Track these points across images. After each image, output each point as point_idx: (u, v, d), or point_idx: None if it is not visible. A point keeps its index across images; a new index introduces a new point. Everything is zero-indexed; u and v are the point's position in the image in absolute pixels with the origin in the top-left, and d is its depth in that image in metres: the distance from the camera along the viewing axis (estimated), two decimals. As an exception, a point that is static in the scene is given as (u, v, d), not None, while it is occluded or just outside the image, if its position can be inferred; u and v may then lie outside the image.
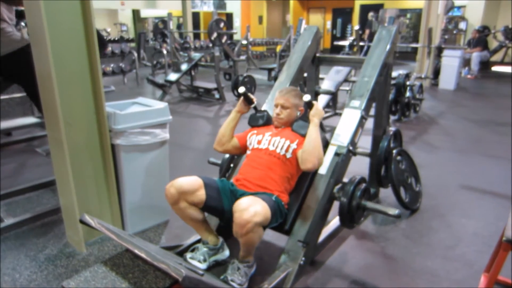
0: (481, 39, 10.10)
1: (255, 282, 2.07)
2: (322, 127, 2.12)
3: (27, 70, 2.24)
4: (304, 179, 2.25)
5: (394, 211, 2.06)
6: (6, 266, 2.23)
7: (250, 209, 1.76)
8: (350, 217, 2.15)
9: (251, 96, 2.37)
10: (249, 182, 2.12)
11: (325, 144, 2.27)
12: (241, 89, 2.33)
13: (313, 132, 2.10)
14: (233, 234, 1.85)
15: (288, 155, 2.14)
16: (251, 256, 2.04)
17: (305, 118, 2.28)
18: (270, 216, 1.86)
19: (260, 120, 2.40)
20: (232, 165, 2.57)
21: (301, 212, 2.14)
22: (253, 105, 2.40)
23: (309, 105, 2.19)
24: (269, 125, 2.38)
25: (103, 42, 2.81)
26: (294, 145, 2.15)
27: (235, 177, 2.23)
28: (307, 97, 2.16)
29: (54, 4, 1.98)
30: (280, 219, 2.07)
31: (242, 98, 2.36)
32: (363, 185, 2.20)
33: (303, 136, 2.16)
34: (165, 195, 2.01)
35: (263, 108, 2.58)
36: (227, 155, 2.59)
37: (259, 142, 2.24)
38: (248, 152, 2.29)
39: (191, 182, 2.00)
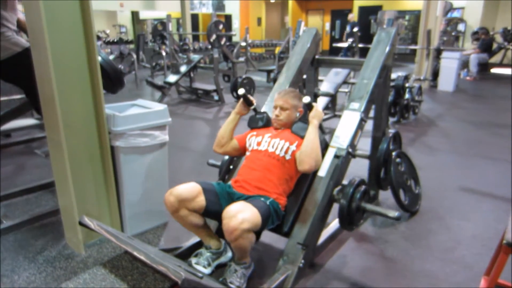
0: (485, 41, 10.08)
1: (255, 284, 2.07)
2: (321, 129, 2.15)
3: (27, 73, 2.25)
4: (304, 181, 2.24)
5: (394, 213, 2.04)
6: (5, 268, 2.23)
7: (238, 216, 1.76)
8: (349, 219, 2.14)
9: (251, 98, 2.37)
10: (247, 184, 2.12)
11: (325, 146, 2.26)
12: (241, 91, 2.32)
13: (311, 134, 2.11)
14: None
15: (288, 157, 2.14)
16: (246, 258, 2.04)
17: (304, 119, 2.28)
18: (261, 221, 1.85)
19: (259, 122, 2.41)
20: (231, 166, 2.57)
21: (300, 214, 2.13)
22: (252, 107, 2.40)
23: (308, 107, 2.20)
24: (269, 126, 2.38)
25: (120, 79, 2.76)
26: (293, 147, 2.15)
27: (233, 179, 2.23)
28: (306, 99, 2.17)
29: (54, 6, 1.98)
30: (277, 221, 2.07)
31: (241, 99, 2.36)
32: (363, 187, 2.18)
33: (303, 137, 2.16)
34: (165, 204, 1.99)
35: (262, 110, 2.58)
36: (226, 157, 2.58)
37: (258, 144, 2.24)
38: (248, 153, 2.29)
39: (190, 189, 1.99)
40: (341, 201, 2.13)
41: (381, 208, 2.17)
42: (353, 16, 12.71)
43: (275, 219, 2.04)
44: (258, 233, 1.97)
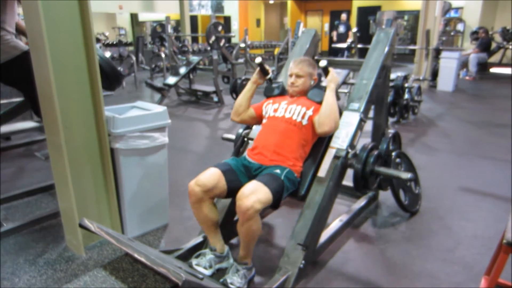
0: (484, 40, 10.09)
1: (255, 285, 2.06)
2: (336, 95, 2.25)
3: (26, 76, 2.25)
4: (319, 147, 2.32)
5: (406, 175, 2.17)
6: (5, 271, 2.23)
7: (251, 197, 1.85)
8: (364, 183, 2.24)
9: (267, 67, 2.46)
10: (265, 150, 2.19)
11: (339, 113, 2.32)
12: (258, 60, 2.42)
13: (330, 97, 2.23)
14: (233, 236, 1.86)
15: (304, 122, 2.23)
16: (250, 255, 2.05)
17: (319, 86, 2.37)
18: (272, 199, 1.93)
19: (275, 90, 2.50)
20: (245, 139, 2.64)
21: (301, 214, 2.14)
22: (268, 76, 2.49)
23: (325, 71, 2.31)
24: (284, 95, 2.47)
25: (118, 77, 2.80)
26: (310, 112, 2.24)
27: (250, 148, 2.31)
28: (323, 63, 2.28)
29: (53, 8, 1.99)
30: (292, 188, 2.16)
31: (258, 69, 2.44)
32: (376, 152, 2.28)
33: (319, 103, 2.27)
34: (189, 194, 2.05)
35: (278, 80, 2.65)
36: (240, 130, 2.67)
37: (275, 110, 2.34)
38: (264, 121, 2.37)
39: (212, 177, 2.05)
40: (355, 165, 2.22)
41: (394, 170, 2.27)
42: (345, 17, 12.70)
43: (291, 187, 2.12)
44: (276, 204, 2.04)
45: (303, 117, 2.23)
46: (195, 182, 2.03)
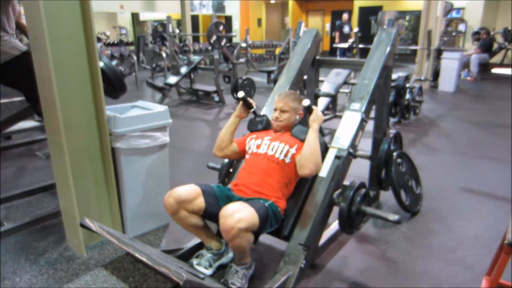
0: (485, 41, 10.07)
1: (256, 285, 2.06)
2: (321, 131, 2.14)
3: (26, 77, 2.26)
4: (303, 185, 2.24)
5: (394, 217, 2.04)
6: (6, 270, 2.23)
7: (235, 215, 1.76)
8: (349, 223, 2.14)
9: (251, 100, 2.36)
10: (246, 188, 2.11)
11: (324, 149, 2.26)
12: (240, 94, 2.32)
13: (312, 138, 2.11)
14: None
15: (287, 160, 2.14)
16: (246, 258, 2.04)
17: (304, 122, 2.28)
18: (258, 221, 1.84)
19: (259, 125, 2.40)
20: (231, 170, 2.57)
21: (302, 215, 2.13)
22: (252, 110, 2.39)
23: (308, 110, 2.20)
24: (268, 129, 2.37)
25: (122, 85, 2.79)
26: (293, 150, 2.15)
27: (233, 182, 2.23)
28: (306, 102, 2.16)
29: (54, 7, 1.99)
30: (276, 225, 2.07)
31: (241, 102, 2.35)
32: (363, 190, 2.18)
33: (303, 141, 2.16)
34: (164, 206, 2.00)
35: (262, 112, 2.59)
36: (226, 160, 2.58)
37: (258, 147, 2.23)
38: (247, 156, 2.28)
39: (189, 191, 1.99)
40: (341, 204, 2.12)
41: (382, 211, 2.16)
42: (347, 17, 12.68)
43: (274, 222, 2.03)
44: (256, 236, 1.96)
45: (285, 155, 2.14)
46: (169, 194, 1.99)
